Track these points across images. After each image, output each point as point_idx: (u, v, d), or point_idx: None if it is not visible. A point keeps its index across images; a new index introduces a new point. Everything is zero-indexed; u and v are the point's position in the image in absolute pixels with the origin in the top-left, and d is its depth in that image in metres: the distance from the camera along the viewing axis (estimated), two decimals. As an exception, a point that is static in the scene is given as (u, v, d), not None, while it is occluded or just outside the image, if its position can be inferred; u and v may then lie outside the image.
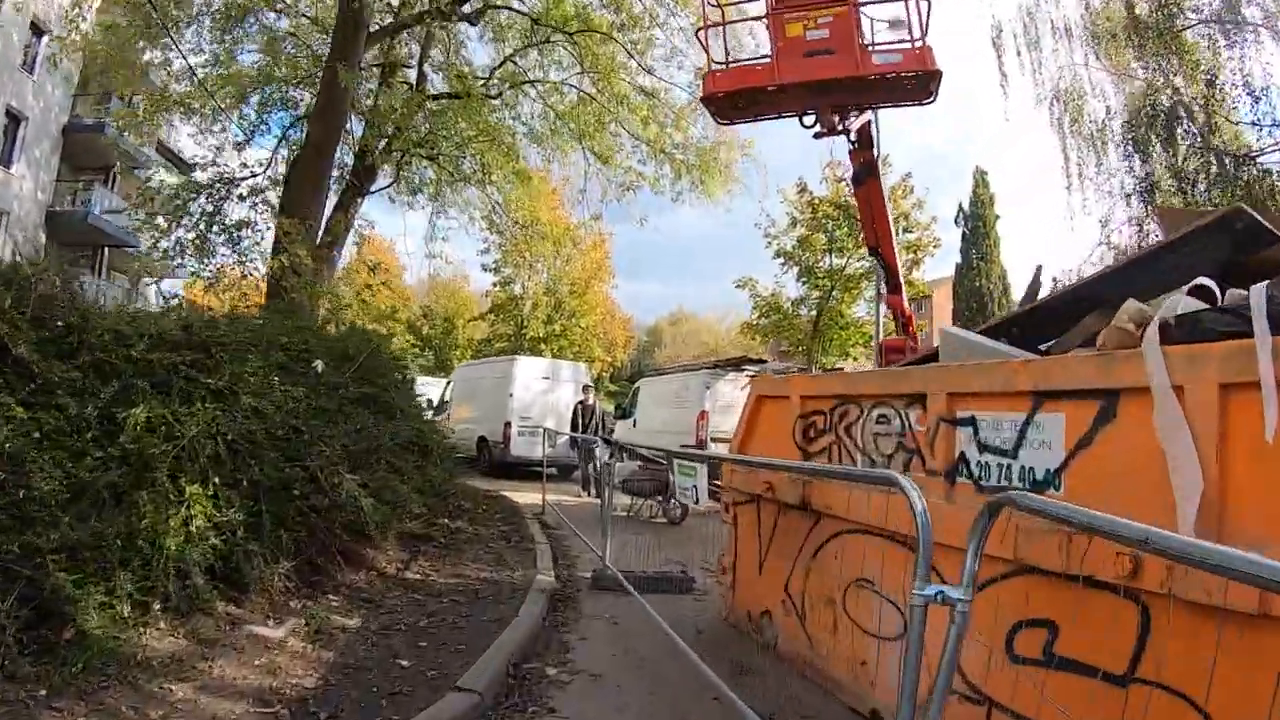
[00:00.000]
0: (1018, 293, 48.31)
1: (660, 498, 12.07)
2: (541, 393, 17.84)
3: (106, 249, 30.50)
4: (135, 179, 31.11)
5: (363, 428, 6.95)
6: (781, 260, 24.28)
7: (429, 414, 25.25)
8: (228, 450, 5.58)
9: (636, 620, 5.89)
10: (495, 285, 35.67)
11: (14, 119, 23.65)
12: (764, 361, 19.00)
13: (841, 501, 4.39)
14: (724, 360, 18.75)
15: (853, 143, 11.18)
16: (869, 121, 11.70)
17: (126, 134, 20.55)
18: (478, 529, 9.29)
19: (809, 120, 10.14)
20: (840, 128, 10.41)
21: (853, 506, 4.32)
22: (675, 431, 17.91)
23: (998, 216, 46.41)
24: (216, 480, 5.42)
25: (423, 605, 6.02)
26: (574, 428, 15.01)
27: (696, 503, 6.10)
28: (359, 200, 16.27)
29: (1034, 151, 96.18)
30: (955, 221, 37.82)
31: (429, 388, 24.45)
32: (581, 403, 15.45)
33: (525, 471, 17.87)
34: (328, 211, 13.50)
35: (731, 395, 17.77)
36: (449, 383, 21.99)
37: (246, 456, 5.64)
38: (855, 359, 25.63)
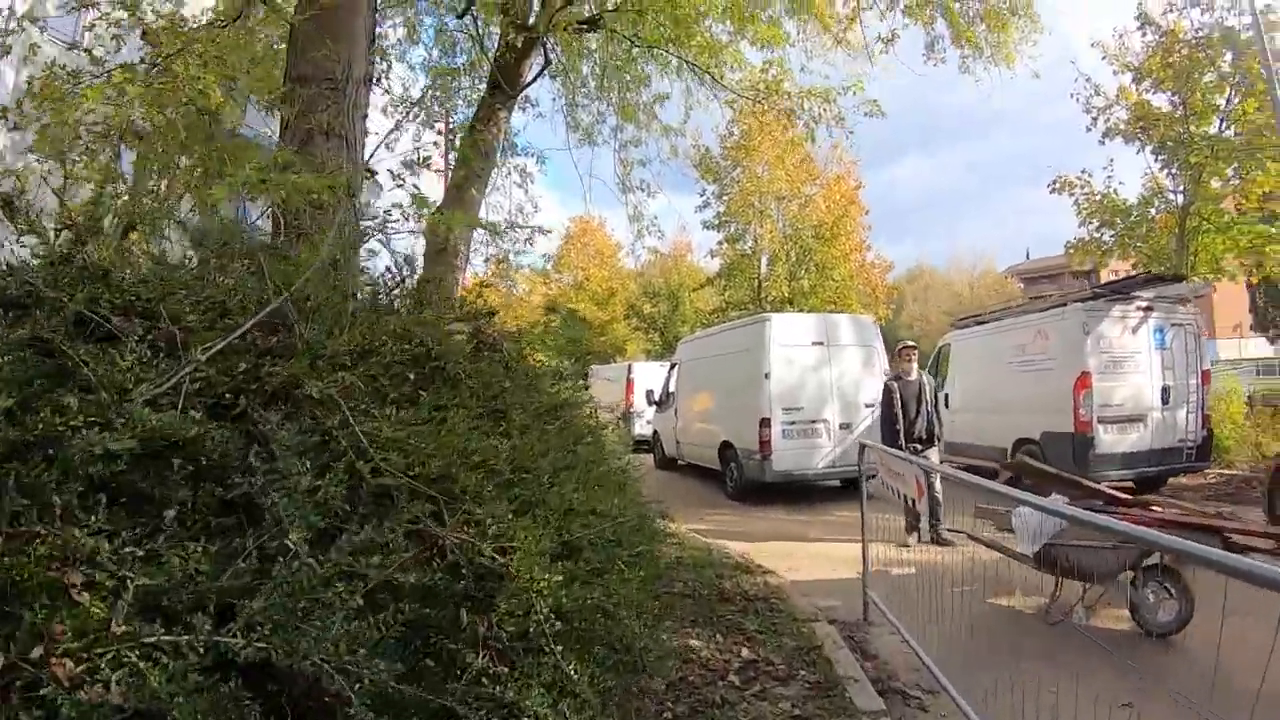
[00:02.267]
0: None
1: (1130, 578, 5.39)
2: (813, 368, 11.37)
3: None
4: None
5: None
6: (1131, 139, 15.97)
7: (640, 415, 19.72)
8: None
9: None
10: (721, 244, 29.39)
11: None
12: (1175, 279, 11.33)
13: None
14: (1110, 285, 11.32)
15: None
16: None
17: None
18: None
19: None
20: None
21: None
22: (1029, 410, 11.01)
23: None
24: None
25: None
26: (888, 423, 8.48)
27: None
28: (502, 114, 10.57)
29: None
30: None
31: (650, 375, 18.63)
32: (898, 379, 8.79)
33: (803, 494, 11.58)
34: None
35: (1127, 343, 10.57)
36: (672, 366, 15.95)
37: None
38: (1232, 277, 16.80)
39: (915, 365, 8.75)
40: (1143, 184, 16.49)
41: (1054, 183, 17.24)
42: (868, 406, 11.56)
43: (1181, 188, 15.43)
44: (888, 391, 8.63)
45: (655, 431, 16.91)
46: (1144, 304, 10.69)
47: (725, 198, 28.61)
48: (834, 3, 12.06)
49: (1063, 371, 10.49)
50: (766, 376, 11.02)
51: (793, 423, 11.09)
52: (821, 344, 11.46)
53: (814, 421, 11.21)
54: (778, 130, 27.19)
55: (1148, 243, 16.17)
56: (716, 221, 28.97)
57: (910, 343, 9.03)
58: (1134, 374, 10.53)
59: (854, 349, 11.67)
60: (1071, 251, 17.85)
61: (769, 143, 26.92)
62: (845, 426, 11.37)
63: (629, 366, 20.62)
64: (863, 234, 28.60)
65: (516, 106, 11.34)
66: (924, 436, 8.42)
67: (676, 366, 15.42)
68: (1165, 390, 10.69)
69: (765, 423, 10.96)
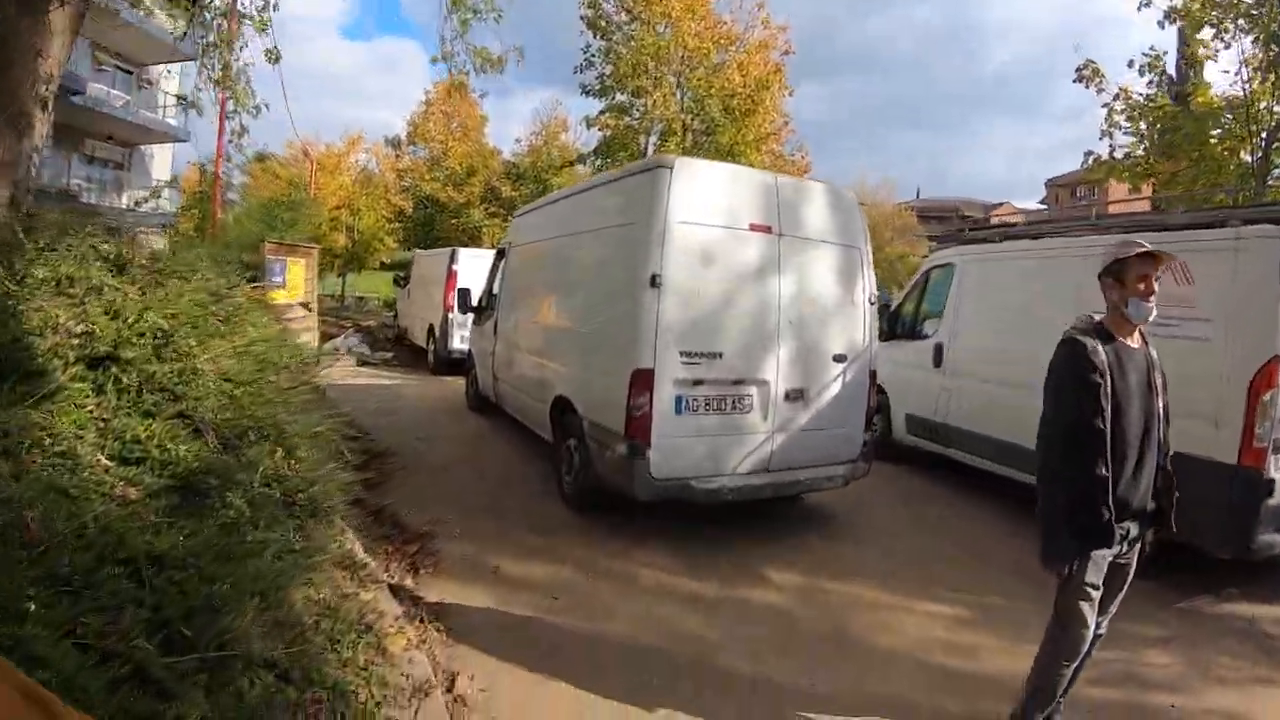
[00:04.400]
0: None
1: None
2: (748, 276, 5.71)
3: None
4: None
5: None
6: (1216, 23, 10.82)
7: (461, 326, 13.39)
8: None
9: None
10: (602, 113, 23.11)
11: None
12: None
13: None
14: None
15: None
16: None
17: None
18: None
19: None
20: None
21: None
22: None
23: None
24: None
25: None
26: (1073, 451, 2.84)
27: None
28: None
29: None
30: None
31: (481, 268, 12.36)
32: (1102, 334, 3.09)
33: (708, 515, 6.00)
34: None
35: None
36: (500, 253, 9.93)
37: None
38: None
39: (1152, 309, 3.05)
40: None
41: (1082, 70, 12.01)
42: (838, 361, 6.11)
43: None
44: (1079, 363, 2.95)
45: (470, 354, 11.03)
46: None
47: (613, 56, 22.29)
48: None
49: (1226, 348, 5.28)
50: (654, 283, 5.27)
51: (698, 382, 5.45)
52: (769, 231, 5.78)
53: (740, 383, 5.63)
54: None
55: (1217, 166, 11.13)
56: (599, 85, 22.66)
57: (1148, 245, 3.14)
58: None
59: (827, 249, 6.09)
60: (1093, 165, 12.74)
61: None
62: (796, 396, 5.87)
63: (451, 253, 14.34)
64: (783, 117, 22.73)
65: None
66: (1146, 508, 2.99)
67: (505, 253, 9.44)
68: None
69: (643, 379, 5.26)
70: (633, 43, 21.88)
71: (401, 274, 19.48)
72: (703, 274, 5.48)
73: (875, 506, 6.99)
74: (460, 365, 12.26)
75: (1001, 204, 62.64)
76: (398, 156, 41.93)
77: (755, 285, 5.72)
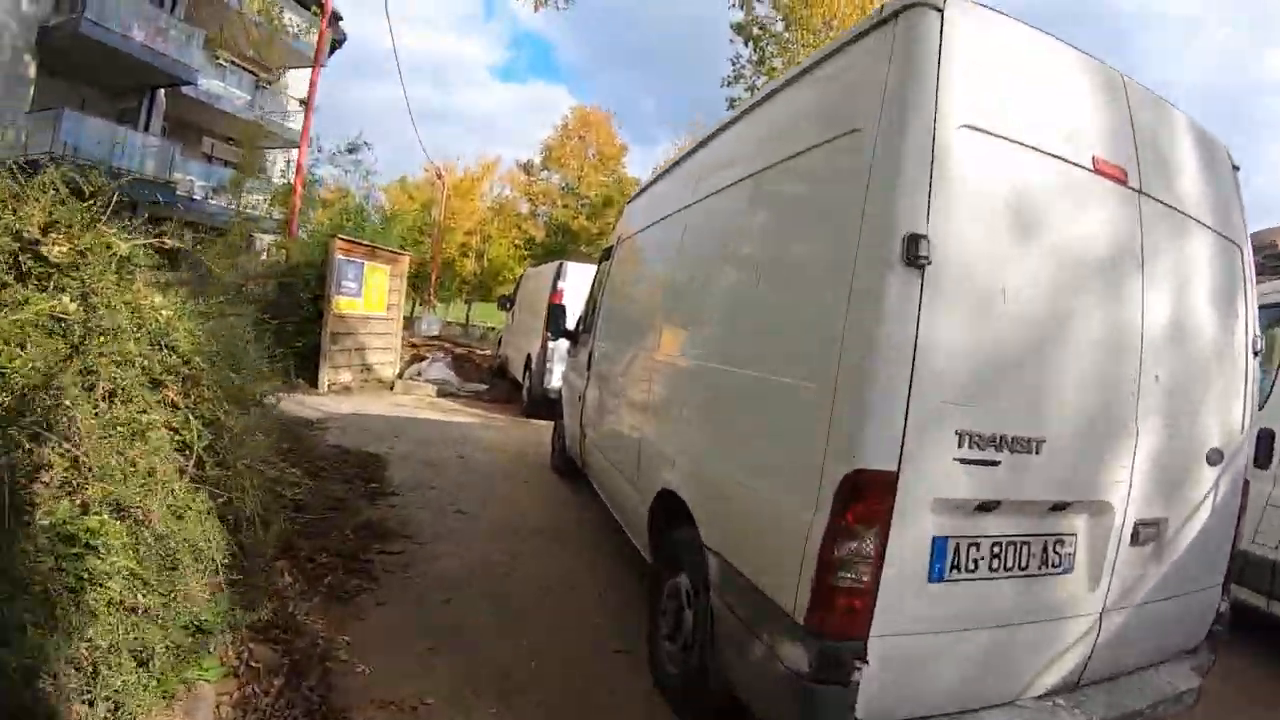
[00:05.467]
0: None
1: None
2: (1099, 269, 2.59)
3: (159, 91, 18.74)
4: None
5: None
6: None
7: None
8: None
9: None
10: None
11: None
12: None
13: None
14: None
15: None
16: None
17: None
18: None
19: None
20: None
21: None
22: None
23: None
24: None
25: None
26: None
27: None
28: None
29: None
30: None
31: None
32: None
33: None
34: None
35: None
36: (605, 254, 7.04)
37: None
38: None
39: None
40: None
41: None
42: (1211, 463, 2.87)
43: None
44: None
45: (561, 394, 8.13)
46: None
47: (765, 66, 20.15)
48: None
49: None
50: (913, 257, 2.15)
51: (987, 507, 2.29)
52: (1123, 180, 2.60)
53: (1061, 510, 2.46)
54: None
55: None
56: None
57: None
58: None
59: (1201, 237, 2.89)
60: None
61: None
62: (1149, 536, 2.67)
63: (558, 268, 11.57)
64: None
65: None
66: None
67: (611, 253, 6.55)
68: None
69: (869, 495, 2.14)
70: (788, 51, 19.67)
71: (508, 296, 16.92)
72: (1014, 251, 2.37)
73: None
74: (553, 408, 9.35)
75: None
76: (530, 181, 40.83)
77: (1103, 291, 2.56)
